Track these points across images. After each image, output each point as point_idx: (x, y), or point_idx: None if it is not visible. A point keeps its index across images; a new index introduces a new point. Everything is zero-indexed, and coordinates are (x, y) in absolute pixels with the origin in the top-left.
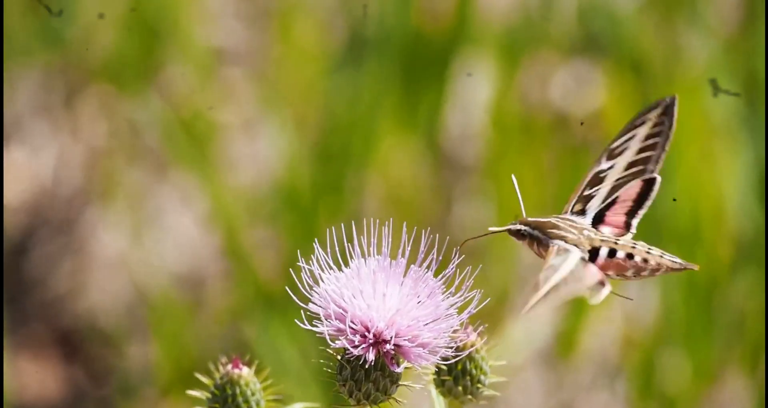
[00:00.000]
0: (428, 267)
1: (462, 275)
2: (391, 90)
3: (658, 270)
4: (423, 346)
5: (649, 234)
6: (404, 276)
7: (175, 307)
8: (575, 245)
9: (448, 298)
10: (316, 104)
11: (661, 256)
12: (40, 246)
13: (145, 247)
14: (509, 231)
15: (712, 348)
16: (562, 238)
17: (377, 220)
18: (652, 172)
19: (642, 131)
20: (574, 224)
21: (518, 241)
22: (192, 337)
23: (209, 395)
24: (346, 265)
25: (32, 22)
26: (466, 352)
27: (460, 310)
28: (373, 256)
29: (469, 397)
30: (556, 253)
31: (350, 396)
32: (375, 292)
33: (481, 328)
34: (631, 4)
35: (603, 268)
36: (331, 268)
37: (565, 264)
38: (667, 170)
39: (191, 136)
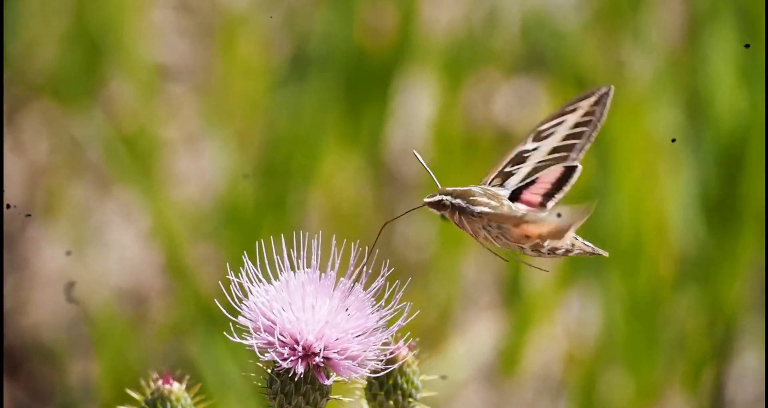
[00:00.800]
0: (357, 280)
1: (392, 288)
2: (335, 106)
3: (570, 251)
4: (352, 358)
5: None
6: (334, 289)
7: (118, 323)
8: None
9: (377, 310)
10: (260, 120)
11: (576, 238)
12: None
13: (88, 263)
14: (429, 203)
15: (654, 365)
16: (485, 205)
17: (307, 233)
18: (575, 159)
19: (572, 118)
20: (494, 194)
21: (438, 212)
22: (134, 353)
23: None
24: (276, 278)
25: None
26: (396, 365)
27: (390, 322)
28: (303, 269)
29: None
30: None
31: None
32: (304, 305)
33: (412, 342)
34: (575, 21)
35: (520, 241)
36: (260, 280)
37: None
38: (609, 187)
39: (134, 152)
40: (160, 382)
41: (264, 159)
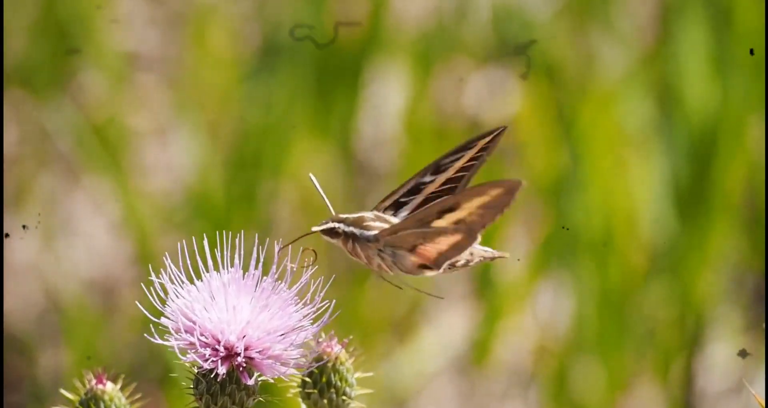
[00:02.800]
0: (281, 278)
1: (316, 285)
2: (305, 97)
3: (471, 260)
4: (274, 358)
5: (563, 243)
6: (256, 288)
7: (88, 313)
8: None
9: (300, 309)
10: (230, 111)
11: (473, 246)
12: None
13: (58, 253)
14: (322, 231)
15: (625, 356)
16: (378, 230)
17: (230, 233)
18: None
19: (468, 153)
20: (387, 221)
21: (331, 240)
22: (104, 343)
23: None
24: (199, 278)
25: None
26: (321, 364)
27: (315, 320)
28: (227, 269)
29: None
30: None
31: None
32: (226, 305)
33: (346, 340)
34: (546, 12)
35: (413, 271)
36: (182, 281)
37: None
38: (580, 180)
39: (104, 142)
40: (93, 383)
41: (234, 150)
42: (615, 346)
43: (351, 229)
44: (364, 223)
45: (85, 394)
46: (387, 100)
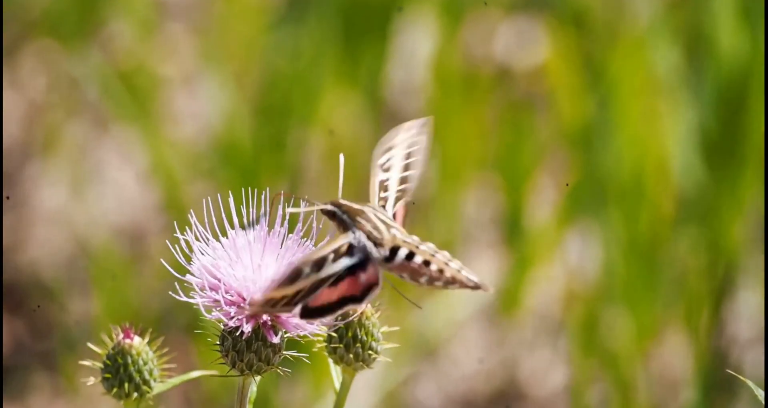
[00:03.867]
0: (306, 236)
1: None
2: (333, 45)
3: (452, 283)
4: None
5: (592, 190)
6: (281, 246)
7: (116, 261)
8: (375, 243)
9: None
10: (258, 59)
11: (459, 271)
12: None
13: (86, 201)
14: (321, 210)
15: (654, 304)
16: (366, 231)
17: (255, 189)
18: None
19: (400, 151)
20: (385, 220)
21: (331, 221)
22: (133, 291)
23: (101, 365)
24: (224, 235)
25: None
26: (347, 320)
27: None
28: (253, 226)
29: (361, 363)
30: (338, 248)
31: (233, 366)
32: (252, 263)
33: None
34: None
35: (399, 269)
36: (208, 238)
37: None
38: (610, 126)
39: (132, 90)
40: (120, 337)
41: (262, 98)
42: (644, 294)
43: (345, 216)
44: (358, 217)
45: (113, 348)
46: (416, 47)
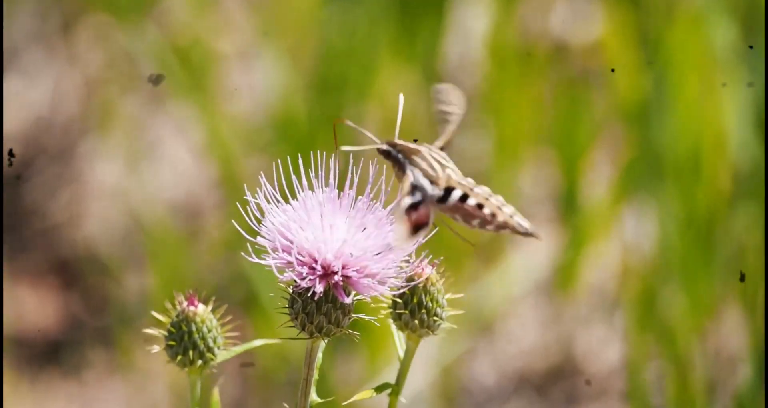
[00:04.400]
0: (376, 198)
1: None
2: (390, 19)
3: (503, 228)
4: (371, 276)
5: (649, 166)
6: (352, 207)
7: (172, 236)
8: (431, 181)
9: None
10: (314, 34)
11: (511, 216)
12: (37, 175)
13: (142, 176)
14: (378, 150)
15: (711, 281)
16: (422, 169)
17: (324, 152)
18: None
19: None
20: (440, 160)
21: (385, 160)
22: (188, 266)
23: (166, 333)
24: (295, 197)
25: None
26: (413, 284)
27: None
28: (321, 188)
29: (426, 330)
30: (408, 190)
31: (302, 329)
32: (322, 224)
33: (436, 262)
34: None
35: (452, 210)
36: (278, 200)
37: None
38: (666, 102)
39: (188, 65)
40: (185, 304)
41: (318, 73)
42: (701, 270)
43: (400, 156)
44: (413, 155)
45: (177, 315)
46: (472, 22)
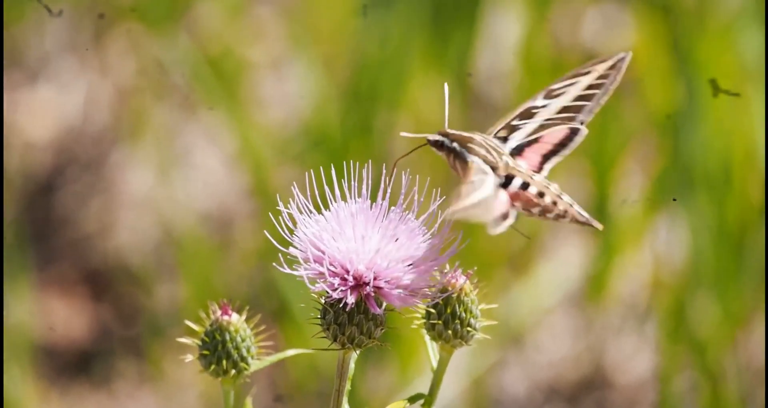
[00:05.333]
0: (409, 208)
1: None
2: (422, 29)
3: (563, 217)
4: (403, 287)
5: (679, 177)
6: (384, 218)
7: (203, 246)
8: (492, 167)
9: (428, 239)
10: (346, 44)
11: (571, 205)
12: (68, 184)
13: (173, 186)
14: (428, 141)
15: (742, 292)
16: (481, 156)
17: (357, 164)
18: (582, 122)
19: (585, 80)
20: (495, 147)
21: (438, 152)
22: (220, 277)
23: (199, 342)
24: (327, 208)
25: None
26: (447, 294)
27: (443, 251)
28: (354, 199)
29: (460, 340)
30: (475, 171)
31: (334, 340)
32: (354, 235)
33: (470, 272)
34: None
35: (512, 198)
36: (310, 211)
37: (483, 186)
38: (698, 112)
39: (220, 74)
40: (219, 314)
41: (350, 82)
42: (732, 281)
43: (454, 144)
44: (468, 144)
45: (211, 324)
46: (504, 33)
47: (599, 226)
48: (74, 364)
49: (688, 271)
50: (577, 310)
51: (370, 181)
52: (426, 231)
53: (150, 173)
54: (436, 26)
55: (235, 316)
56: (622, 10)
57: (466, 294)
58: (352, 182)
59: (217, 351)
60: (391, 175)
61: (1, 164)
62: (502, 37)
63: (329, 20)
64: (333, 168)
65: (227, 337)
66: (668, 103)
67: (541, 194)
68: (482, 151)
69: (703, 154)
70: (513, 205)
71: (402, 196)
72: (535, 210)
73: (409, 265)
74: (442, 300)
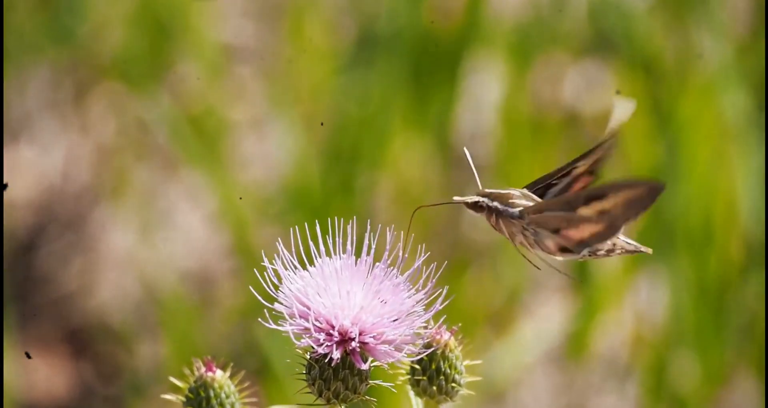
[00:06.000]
0: (393, 264)
1: (428, 272)
2: (402, 89)
3: (613, 250)
4: (388, 343)
5: (661, 235)
6: (369, 274)
7: (185, 305)
8: None
9: (413, 294)
10: (326, 103)
11: (617, 237)
12: (48, 243)
13: (155, 245)
14: (466, 204)
15: (722, 349)
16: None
17: (341, 219)
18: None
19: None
20: (534, 200)
21: (476, 214)
22: (201, 335)
23: (184, 399)
24: (312, 263)
25: (42, 18)
26: (431, 350)
27: (427, 307)
28: (339, 254)
29: (444, 396)
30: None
31: (319, 395)
32: (339, 290)
33: (455, 328)
34: (643, 3)
35: (553, 251)
36: (295, 267)
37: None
38: (678, 171)
39: (201, 134)
40: (203, 370)
41: (331, 142)
42: (713, 339)
43: (495, 204)
44: (510, 200)
45: (195, 381)
46: (484, 91)
47: (649, 251)
48: None
49: (669, 329)
50: (558, 368)
51: (354, 237)
52: (411, 287)
53: (131, 232)
54: (417, 85)
55: (219, 373)
56: (603, 69)
57: (450, 350)
58: (337, 238)
59: (201, 407)
60: (408, 229)
61: None
62: (483, 97)
63: (309, 79)
64: (318, 224)
65: (212, 394)
66: (649, 161)
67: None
68: (524, 202)
69: (684, 212)
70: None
71: (387, 252)
72: (584, 252)
73: (394, 321)
74: (427, 356)
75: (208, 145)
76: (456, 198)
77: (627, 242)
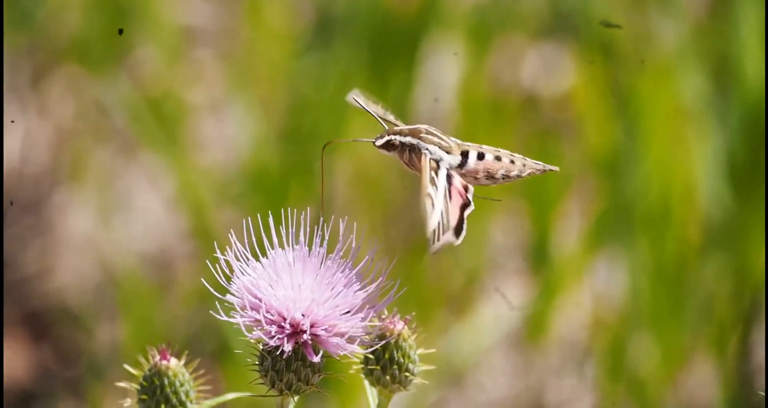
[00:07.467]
0: (346, 256)
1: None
2: (360, 71)
3: (523, 172)
4: (340, 335)
5: (619, 216)
6: (321, 266)
7: (143, 287)
8: (447, 151)
9: (365, 287)
10: (285, 85)
11: (524, 158)
12: (7, 227)
13: (113, 227)
14: (378, 146)
15: (681, 331)
16: (434, 143)
17: (295, 210)
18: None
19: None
20: (439, 134)
21: (388, 153)
22: (160, 318)
23: (138, 387)
24: (265, 255)
25: None
26: (385, 341)
27: (380, 298)
28: (292, 246)
29: (398, 385)
30: (429, 170)
31: (272, 386)
32: (291, 282)
33: (408, 317)
34: None
35: (473, 172)
36: (248, 258)
37: (439, 187)
38: (637, 153)
39: (159, 116)
40: (157, 359)
41: (289, 124)
42: (671, 321)
43: (408, 139)
44: (420, 135)
45: (149, 369)
46: (442, 74)
47: (556, 169)
48: (15, 405)
49: (627, 311)
50: (517, 351)
51: (308, 228)
52: (363, 278)
53: (90, 215)
54: (375, 67)
55: (173, 361)
56: (562, 51)
57: (404, 339)
58: (290, 229)
59: (155, 395)
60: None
61: None
62: (441, 79)
63: (268, 62)
64: (270, 214)
65: (165, 382)
66: (607, 143)
67: (498, 158)
68: (435, 139)
69: (642, 194)
70: (476, 178)
71: (340, 243)
72: (499, 174)
73: (346, 313)
74: (381, 345)
75: (166, 127)
76: (374, 140)
77: (536, 163)
